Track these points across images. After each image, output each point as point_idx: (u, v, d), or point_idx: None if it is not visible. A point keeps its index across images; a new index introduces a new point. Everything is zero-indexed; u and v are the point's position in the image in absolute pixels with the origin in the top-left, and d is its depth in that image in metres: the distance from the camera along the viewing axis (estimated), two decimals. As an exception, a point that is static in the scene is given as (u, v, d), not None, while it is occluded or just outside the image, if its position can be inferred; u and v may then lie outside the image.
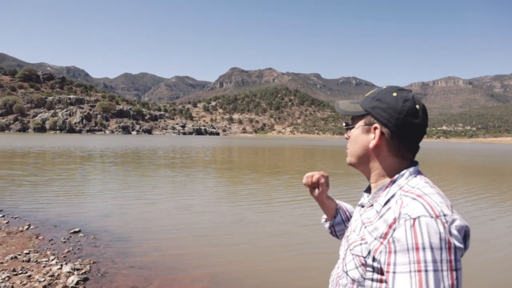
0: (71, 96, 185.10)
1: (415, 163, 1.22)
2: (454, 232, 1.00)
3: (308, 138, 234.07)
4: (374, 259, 1.10)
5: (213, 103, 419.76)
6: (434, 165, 29.03)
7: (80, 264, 5.34)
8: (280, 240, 7.28)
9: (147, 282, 4.92)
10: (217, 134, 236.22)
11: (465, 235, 1.04)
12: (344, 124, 1.37)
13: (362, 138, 1.25)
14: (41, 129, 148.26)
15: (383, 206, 1.15)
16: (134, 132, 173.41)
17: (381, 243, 1.07)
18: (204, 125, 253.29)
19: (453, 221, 1.02)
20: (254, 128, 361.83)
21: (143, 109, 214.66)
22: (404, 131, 1.17)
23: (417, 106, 1.18)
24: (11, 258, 5.44)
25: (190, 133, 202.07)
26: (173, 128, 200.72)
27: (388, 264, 1.03)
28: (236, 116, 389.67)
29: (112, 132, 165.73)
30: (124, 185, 13.83)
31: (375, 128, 1.20)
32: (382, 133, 1.19)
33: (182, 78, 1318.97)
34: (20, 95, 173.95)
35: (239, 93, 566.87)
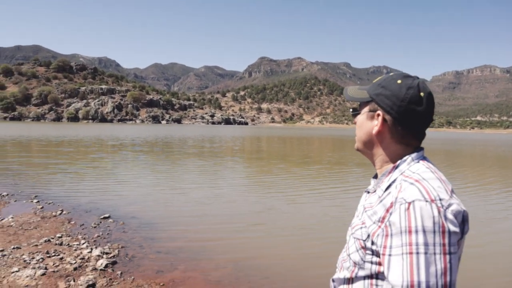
0: (103, 86, 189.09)
1: (419, 149, 1.23)
2: (450, 216, 1.01)
3: (337, 128, 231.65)
4: (372, 243, 1.12)
5: (242, 93, 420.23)
6: (472, 157, 28.29)
7: (109, 248, 5.54)
8: (307, 230, 7.33)
9: (172, 267, 5.07)
10: (246, 123, 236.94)
11: (462, 219, 1.04)
12: (351, 110, 1.40)
13: (366, 124, 1.27)
14: (74, 118, 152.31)
15: (384, 191, 1.17)
16: (163, 122, 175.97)
17: (379, 226, 1.10)
18: (232, 115, 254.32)
19: (450, 205, 1.03)
20: (283, 118, 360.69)
21: (172, 99, 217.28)
22: (407, 119, 1.18)
23: (422, 94, 1.18)
24: (45, 241, 5.70)
25: (219, 123, 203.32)
26: (202, 118, 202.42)
27: (384, 247, 1.06)
28: (264, 105, 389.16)
29: (142, 121, 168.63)
30: (153, 173, 14.15)
31: (378, 115, 1.22)
32: (384, 120, 1.21)
33: (211, 67, 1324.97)
34: (54, 86, 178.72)
35: (268, 82, 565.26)
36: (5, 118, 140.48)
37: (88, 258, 5.11)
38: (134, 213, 7.87)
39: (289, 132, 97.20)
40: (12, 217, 7.08)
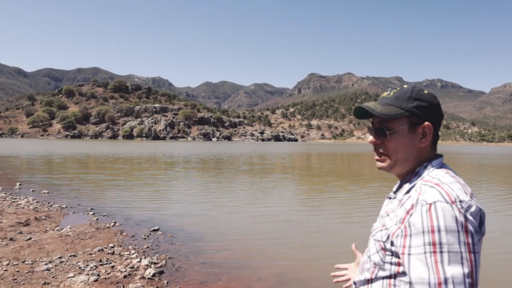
0: (156, 105, 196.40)
1: (438, 156, 1.28)
2: (470, 217, 1.04)
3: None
4: (392, 244, 1.16)
5: (291, 110, 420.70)
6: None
7: (157, 259, 5.79)
8: (348, 247, 7.26)
9: (216, 278, 5.22)
10: (295, 140, 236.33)
11: (480, 221, 1.08)
12: (372, 128, 1.32)
13: (409, 139, 1.25)
14: (129, 136, 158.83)
15: (404, 195, 1.22)
16: (214, 139, 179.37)
17: (398, 227, 1.13)
18: (282, 132, 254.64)
19: (470, 206, 1.06)
20: (333, 134, 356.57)
21: (223, 116, 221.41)
22: (439, 124, 1.28)
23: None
24: (99, 250, 6.06)
25: (269, 140, 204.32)
26: (252, 135, 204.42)
27: (404, 247, 1.09)
28: (314, 122, 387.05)
29: (194, 138, 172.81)
30: (203, 190, 14.51)
31: (426, 126, 1.24)
32: (431, 129, 1.25)
33: (261, 85, 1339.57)
34: (111, 105, 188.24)
35: (318, 99, 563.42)
36: (66, 136, 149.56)
37: (137, 267, 5.38)
38: (183, 226, 8.14)
39: (340, 148, 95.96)
40: (70, 227, 7.56)
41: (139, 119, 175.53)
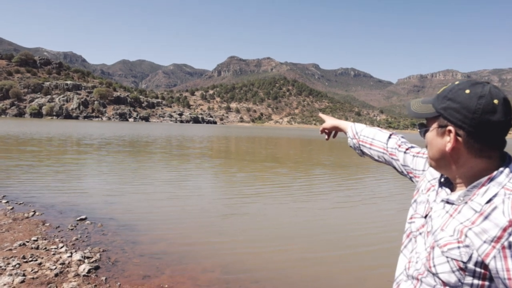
0: (68, 82, 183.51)
1: (510, 159, 1.13)
2: None
3: (305, 128, 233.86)
4: (477, 264, 1.03)
5: (211, 92, 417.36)
6: None
7: (90, 252, 5.28)
8: (287, 231, 7.26)
9: (159, 271, 4.87)
10: (214, 123, 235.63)
11: None
12: (417, 126, 1.28)
13: (437, 141, 1.17)
14: (37, 114, 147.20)
15: (483, 205, 1.06)
16: (131, 119, 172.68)
17: (493, 247, 1.00)
18: (201, 114, 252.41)
19: None
20: (252, 118, 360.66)
21: (140, 96, 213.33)
22: (482, 131, 1.07)
23: (496, 101, 1.07)
24: (20, 245, 5.38)
25: (187, 121, 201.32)
26: (170, 116, 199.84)
27: (508, 270, 0.98)
28: (233, 105, 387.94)
29: (109, 118, 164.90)
30: (129, 175, 13.75)
31: (449, 131, 1.11)
32: (457, 135, 1.10)
33: (180, 66, 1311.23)
34: (16, 80, 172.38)
35: (237, 82, 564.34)
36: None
37: (69, 263, 4.84)
38: (112, 214, 7.57)
39: (259, 131, 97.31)
40: (-20, 219, 6.67)
41: (49, 96, 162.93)
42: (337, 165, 19.90)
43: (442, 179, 1.26)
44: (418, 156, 1.50)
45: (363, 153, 1.77)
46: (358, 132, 1.78)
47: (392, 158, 1.60)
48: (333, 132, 1.96)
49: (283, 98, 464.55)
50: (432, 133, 1.19)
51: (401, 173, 1.59)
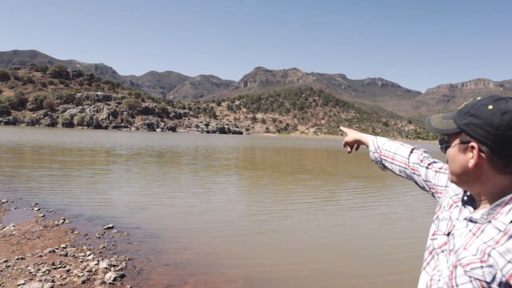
0: (99, 93, 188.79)
1: None
2: None
3: (331, 139, 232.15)
4: (501, 285, 1.00)
5: (237, 102, 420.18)
6: None
7: (116, 261, 5.38)
8: (316, 244, 7.20)
9: (183, 281, 4.91)
10: (240, 133, 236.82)
11: None
12: (438, 142, 1.27)
13: (459, 157, 1.14)
14: (69, 124, 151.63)
15: (508, 225, 1.03)
16: (158, 129, 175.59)
17: None
18: (227, 124, 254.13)
19: None
20: (277, 128, 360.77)
21: (168, 107, 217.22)
22: (506, 147, 1.04)
23: None
24: (50, 252, 5.53)
25: (214, 132, 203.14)
26: (197, 126, 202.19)
27: None
28: (259, 115, 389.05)
29: (138, 129, 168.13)
30: (156, 184, 13.94)
31: (472, 147, 1.09)
32: (481, 151, 1.08)
33: (207, 76, 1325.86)
34: (50, 91, 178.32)
35: (263, 92, 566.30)
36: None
37: (96, 270, 4.95)
38: (138, 223, 7.69)
39: (285, 142, 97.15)
40: (13, 226, 6.89)
41: (80, 107, 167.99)
42: (373, 177, 19.63)
43: (465, 197, 1.23)
44: (440, 171, 1.48)
45: (384, 167, 1.76)
46: (380, 146, 1.77)
47: (413, 173, 1.58)
48: (355, 145, 1.99)
49: (309, 108, 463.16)
50: (454, 149, 1.17)
51: (423, 188, 1.57)
